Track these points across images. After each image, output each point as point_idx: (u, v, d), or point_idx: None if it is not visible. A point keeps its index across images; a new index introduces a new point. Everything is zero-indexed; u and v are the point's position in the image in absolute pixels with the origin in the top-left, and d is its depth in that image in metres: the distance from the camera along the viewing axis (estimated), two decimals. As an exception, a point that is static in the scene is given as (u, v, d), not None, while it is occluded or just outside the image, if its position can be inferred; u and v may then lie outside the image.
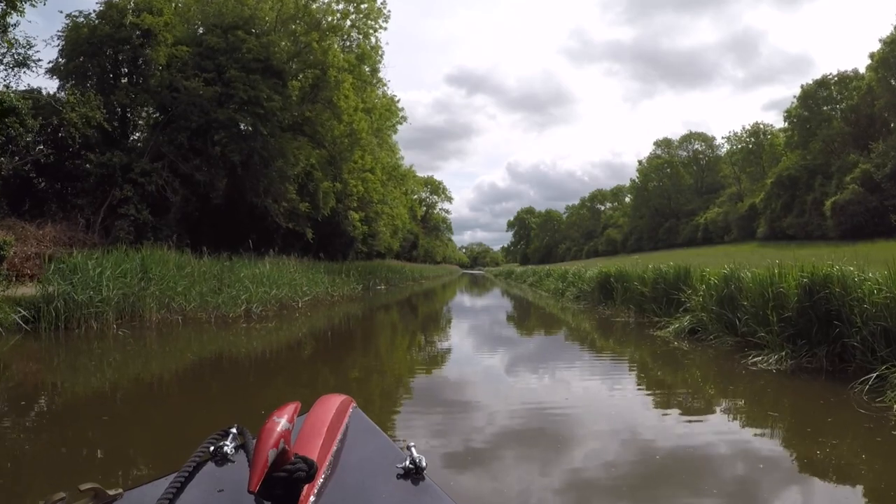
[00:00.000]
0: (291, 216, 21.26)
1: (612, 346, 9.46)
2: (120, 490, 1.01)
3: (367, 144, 21.25)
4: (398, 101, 29.96)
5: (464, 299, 26.21)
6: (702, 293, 9.23)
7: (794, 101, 59.20)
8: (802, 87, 59.30)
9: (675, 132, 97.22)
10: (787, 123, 60.72)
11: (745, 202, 67.81)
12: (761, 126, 76.43)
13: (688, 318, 9.25)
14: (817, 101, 59.30)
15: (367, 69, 24.27)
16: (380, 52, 24.59)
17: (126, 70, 18.91)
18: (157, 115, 18.70)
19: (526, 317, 15.74)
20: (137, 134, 19.40)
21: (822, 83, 58.91)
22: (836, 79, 58.67)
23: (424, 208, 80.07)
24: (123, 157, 17.38)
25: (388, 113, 27.19)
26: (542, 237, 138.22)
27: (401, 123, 32.07)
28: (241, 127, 17.17)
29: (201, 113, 17.91)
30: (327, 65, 18.28)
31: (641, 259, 15.36)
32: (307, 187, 21.09)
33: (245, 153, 17.42)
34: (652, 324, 10.56)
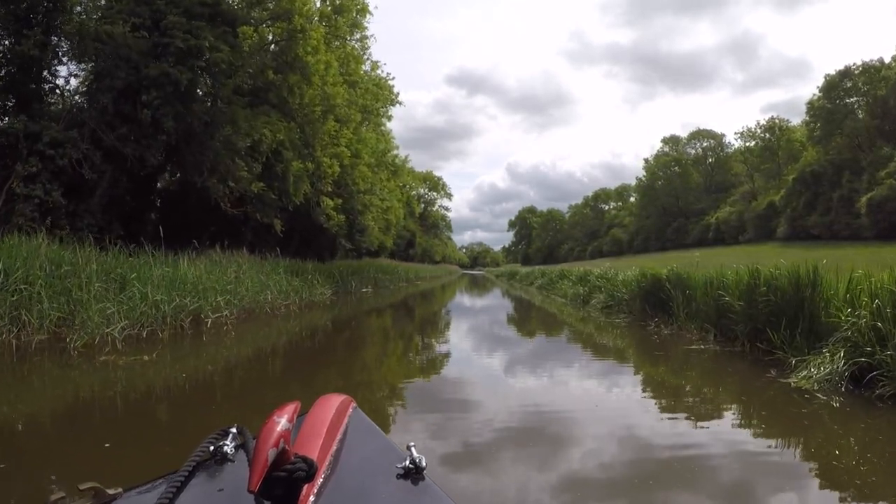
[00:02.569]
0: (257, 203, 17.43)
1: (728, 408, 5.39)
2: (119, 489, 0.99)
3: (347, 117, 17.42)
4: (392, 78, 26.18)
5: (463, 304, 22.38)
6: (865, 314, 5.42)
7: (817, 92, 55.52)
8: (826, 77, 55.57)
9: (675, 134, 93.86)
10: (808, 116, 56.85)
11: (761, 200, 63.99)
12: (776, 121, 72.64)
13: (842, 354, 5.42)
14: (839, 93, 55.45)
15: (351, 37, 20.49)
16: (366, 17, 20.77)
17: (41, 17, 15.08)
18: (77, 70, 14.91)
19: (548, 333, 11.82)
20: (56, 97, 15.57)
21: (846, 73, 55.06)
22: (859, 69, 54.84)
23: (423, 205, 76.19)
24: (30, 124, 13.60)
25: (377, 88, 23.34)
26: (543, 237, 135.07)
27: (394, 105, 28.35)
28: (180, 86, 13.28)
29: (130, 69, 14.09)
30: (294, 12, 14.45)
31: (701, 257, 11.54)
32: (275, 169, 17.25)
33: (182, 118, 13.59)
34: (757, 357, 6.78)
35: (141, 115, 13.65)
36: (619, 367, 7.23)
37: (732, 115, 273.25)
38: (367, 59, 24.46)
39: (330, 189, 17.60)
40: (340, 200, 18.19)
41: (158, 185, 18.88)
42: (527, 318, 15.38)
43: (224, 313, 9.46)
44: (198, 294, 9.07)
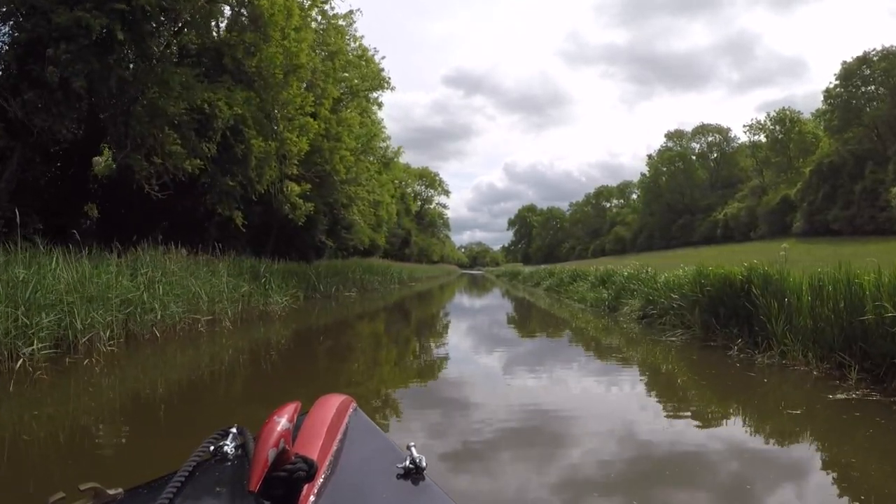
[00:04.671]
0: (214, 192, 14.53)
1: None
2: (120, 490, 0.98)
3: (322, 88, 14.45)
4: (382, 58, 23.22)
5: (462, 308, 19.46)
6: None
7: (834, 80, 52.55)
8: (843, 63, 52.63)
9: (680, 129, 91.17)
10: (825, 104, 53.85)
11: (773, 195, 61.05)
12: (787, 112, 69.59)
13: None
14: (856, 81, 52.49)
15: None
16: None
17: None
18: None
19: (582, 356, 8.68)
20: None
21: (864, 60, 52.09)
22: (878, 55, 51.86)
23: (419, 203, 73.10)
24: None
25: (362, 62, 20.38)
26: (544, 236, 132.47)
27: (384, 90, 25.45)
28: (92, 35, 10.31)
29: (40, 18, 11.12)
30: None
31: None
32: (234, 150, 14.27)
33: (98, 78, 10.62)
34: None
35: (47, 74, 10.64)
36: (747, 454, 3.75)
37: (729, 113, 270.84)
38: (353, 34, 21.57)
39: (296, 172, 14.56)
40: (309, 186, 15.12)
41: (95, 169, 15.87)
42: (545, 332, 12.24)
43: (97, 333, 6.37)
44: (64, 308, 6.09)
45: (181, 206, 17.36)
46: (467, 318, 15.71)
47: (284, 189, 14.28)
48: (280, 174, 13.90)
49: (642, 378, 6.42)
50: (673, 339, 8.18)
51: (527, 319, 15.32)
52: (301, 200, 14.77)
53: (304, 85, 14.19)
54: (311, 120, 13.39)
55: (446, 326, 13.47)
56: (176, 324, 8.24)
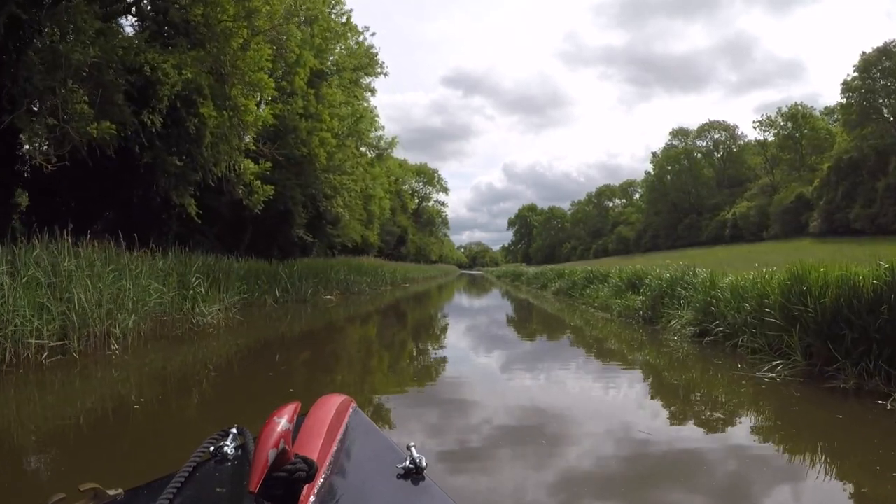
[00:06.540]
0: (163, 176, 12.09)
1: None
2: (120, 490, 0.98)
3: (296, 46, 11.88)
4: (373, 35, 20.71)
5: (462, 313, 16.92)
6: None
7: (853, 72, 49.96)
8: (862, 54, 50.08)
9: (684, 126, 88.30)
10: (843, 97, 51.31)
11: (786, 193, 58.42)
12: (800, 108, 67.02)
13: None
14: (874, 74, 49.96)
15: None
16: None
17: None
18: None
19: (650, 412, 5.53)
20: None
21: (884, 51, 49.54)
22: (899, 47, 49.35)
23: (417, 200, 70.41)
24: None
25: (344, 28, 17.82)
26: (545, 236, 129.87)
27: (377, 76, 22.97)
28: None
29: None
30: None
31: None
32: (185, 125, 11.72)
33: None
34: None
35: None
36: None
37: (727, 115, 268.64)
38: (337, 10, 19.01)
39: (253, 147, 11.93)
40: (270, 165, 12.42)
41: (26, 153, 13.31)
42: (575, 352, 9.55)
43: None
44: None
45: (135, 195, 14.89)
46: (469, 319, 13.18)
47: (237, 167, 11.64)
48: (231, 150, 11.28)
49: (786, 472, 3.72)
50: (772, 375, 5.55)
51: (545, 332, 12.74)
52: (259, 182, 12.12)
53: (269, 45, 11.60)
54: (267, 77, 10.78)
55: (444, 329, 10.97)
56: (31, 348, 5.60)
